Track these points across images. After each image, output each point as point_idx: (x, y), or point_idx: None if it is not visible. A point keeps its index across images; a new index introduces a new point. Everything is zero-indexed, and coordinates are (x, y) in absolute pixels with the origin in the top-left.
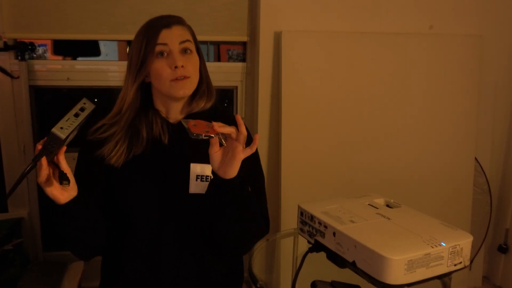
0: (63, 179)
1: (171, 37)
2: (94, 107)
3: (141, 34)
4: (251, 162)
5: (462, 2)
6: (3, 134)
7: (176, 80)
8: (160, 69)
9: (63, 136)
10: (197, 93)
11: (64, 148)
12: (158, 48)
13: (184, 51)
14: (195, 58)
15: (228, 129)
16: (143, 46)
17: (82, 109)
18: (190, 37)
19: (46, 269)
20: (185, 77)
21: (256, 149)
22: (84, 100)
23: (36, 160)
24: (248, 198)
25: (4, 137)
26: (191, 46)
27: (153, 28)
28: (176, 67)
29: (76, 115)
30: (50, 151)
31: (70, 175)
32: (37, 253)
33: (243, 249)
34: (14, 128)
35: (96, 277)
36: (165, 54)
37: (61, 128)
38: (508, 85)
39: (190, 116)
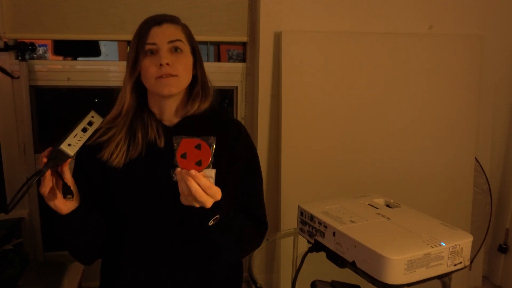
0: (67, 193)
1: (160, 36)
2: (102, 120)
3: (135, 34)
4: (249, 163)
5: (462, 2)
6: (3, 134)
7: (161, 78)
8: (147, 66)
9: (71, 154)
10: (192, 94)
11: (69, 159)
12: (147, 47)
13: (174, 49)
14: (186, 58)
15: (204, 198)
16: (135, 46)
17: (90, 123)
18: (182, 37)
19: (46, 269)
20: (171, 75)
21: (255, 150)
22: (92, 113)
23: (41, 174)
24: (229, 222)
25: (4, 137)
26: (182, 45)
27: (145, 27)
28: (161, 64)
29: (84, 130)
30: (56, 164)
31: (74, 187)
32: (37, 253)
33: (238, 258)
34: (14, 128)
35: (96, 277)
36: (154, 52)
37: (69, 145)
38: (508, 85)
39: (185, 122)
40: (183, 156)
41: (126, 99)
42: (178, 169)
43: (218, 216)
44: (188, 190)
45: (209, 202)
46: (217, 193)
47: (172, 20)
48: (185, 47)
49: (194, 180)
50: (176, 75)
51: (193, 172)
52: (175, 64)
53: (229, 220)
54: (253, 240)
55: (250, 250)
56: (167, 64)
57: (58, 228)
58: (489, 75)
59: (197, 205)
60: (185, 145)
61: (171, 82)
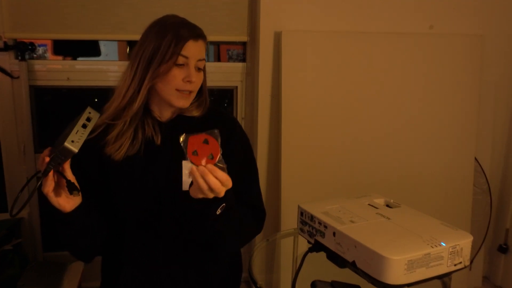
0: (73, 189)
1: (194, 52)
2: (100, 115)
3: (169, 35)
4: (245, 156)
5: (462, 2)
6: (3, 134)
7: (182, 92)
8: (173, 76)
9: (75, 150)
10: (194, 102)
11: (71, 157)
12: (180, 58)
13: (198, 68)
14: (202, 75)
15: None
16: (169, 50)
17: (88, 119)
18: (204, 54)
19: (46, 269)
20: (190, 92)
21: (249, 143)
22: (89, 109)
23: (45, 174)
24: (231, 210)
25: (4, 137)
26: (204, 64)
27: (182, 35)
28: (188, 81)
29: (84, 126)
30: (58, 163)
31: (76, 184)
32: (36, 253)
33: (239, 247)
34: (14, 128)
35: (95, 277)
36: (182, 64)
37: (72, 141)
38: (508, 84)
39: (180, 119)
40: (194, 153)
41: (141, 97)
42: (194, 167)
43: (225, 204)
44: (207, 185)
45: (223, 192)
46: (230, 183)
47: (204, 36)
48: (204, 65)
49: (212, 174)
50: (193, 91)
51: (210, 166)
52: (196, 81)
53: (231, 210)
54: (253, 228)
55: (250, 237)
56: (193, 81)
57: (60, 229)
58: (489, 75)
59: (211, 196)
60: (193, 142)
61: (188, 98)
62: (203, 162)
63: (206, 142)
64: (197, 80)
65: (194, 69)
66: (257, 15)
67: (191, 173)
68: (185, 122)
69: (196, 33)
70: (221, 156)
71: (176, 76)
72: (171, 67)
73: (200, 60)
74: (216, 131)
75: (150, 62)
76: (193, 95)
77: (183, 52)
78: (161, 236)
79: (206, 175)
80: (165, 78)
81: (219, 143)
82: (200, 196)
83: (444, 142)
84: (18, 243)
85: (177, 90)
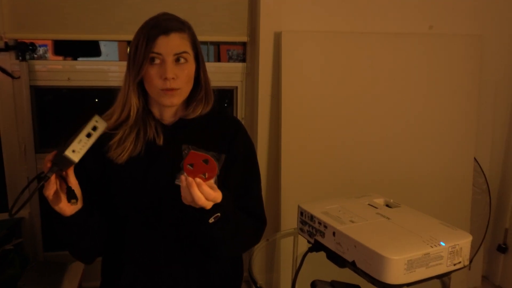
0: (71, 197)
1: (167, 47)
2: (106, 125)
3: (140, 37)
4: (247, 160)
5: (461, 2)
6: (3, 134)
7: (166, 90)
8: (151, 76)
9: (76, 160)
10: (195, 99)
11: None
12: (153, 56)
13: (178, 60)
14: (189, 68)
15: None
16: (140, 51)
17: (94, 128)
18: (188, 47)
19: (46, 269)
20: (174, 89)
21: (253, 147)
22: (96, 117)
23: (45, 179)
24: (227, 219)
25: (5, 137)
26: (187, 57)
27: (151, 33)
28: (166, 78)
29: (89, 135)
30: (60, 169)
31: (77, 190)
32: (37, 253)
33: (237, 254)
34: (14, 128)
35: (96, 277)
36: (159, 62)
37: (74, 151)
38: (508, 85)
39: (183, 121)
40: (190, 165)
41: (134, 105)
42: (183, 177)
43: (219, 214)
44: (191, 197)
45: (209, 206)
46: (218, 198)
47: (179, 28)
48: (190, 57)
49: (198, 188)
50: (179, 88)
51: (198, 180)
52: (179, 76)
53: (228, 218)
54: (251, 236)
55: (248, 246)
56: (172, 78)
57: (60, 230)
58: (489, 75)
59: (198, 206)
60: (193, 157)
61: (174, 95)
62: (195, 176)
63: (206, 162)
64: (177, 74)
65: (171, 64)
66: (257, 15)
67: (180, 180)
68: (188, 123)
69: (165, 28)
70: (216, 179)
71: (154, 75)
72: (148, 67)
73: (178, 53)
74: (222, 156)
75: (131, 68)
76: (182, 91)
77: (155, 49)
78: (163, 236)
79: (191, 187)
80: (147, 80)
81: (219, 168)
82: (186, 203)
83: (444, 142)
84: (18, 243)
85: (161, 89)
